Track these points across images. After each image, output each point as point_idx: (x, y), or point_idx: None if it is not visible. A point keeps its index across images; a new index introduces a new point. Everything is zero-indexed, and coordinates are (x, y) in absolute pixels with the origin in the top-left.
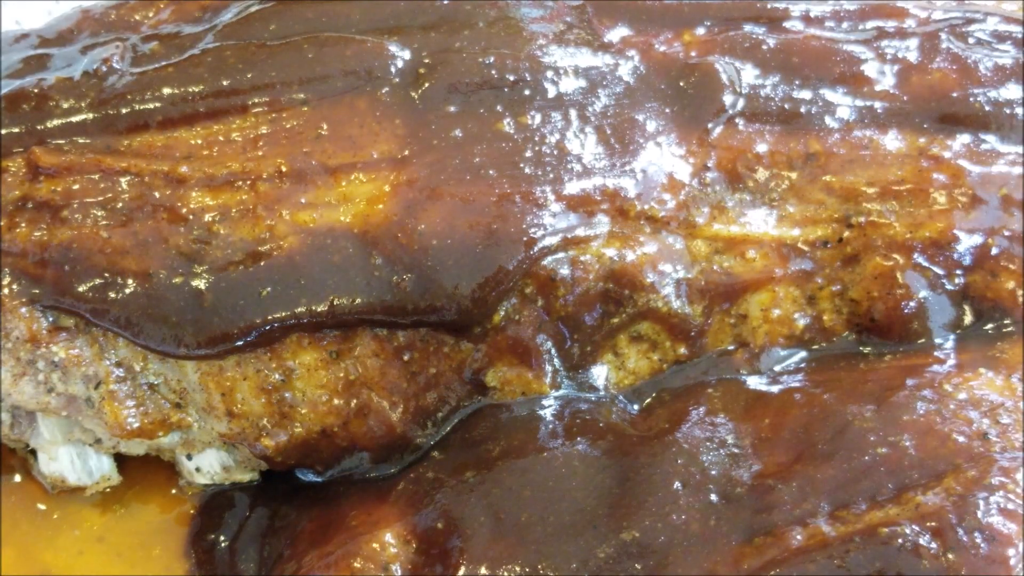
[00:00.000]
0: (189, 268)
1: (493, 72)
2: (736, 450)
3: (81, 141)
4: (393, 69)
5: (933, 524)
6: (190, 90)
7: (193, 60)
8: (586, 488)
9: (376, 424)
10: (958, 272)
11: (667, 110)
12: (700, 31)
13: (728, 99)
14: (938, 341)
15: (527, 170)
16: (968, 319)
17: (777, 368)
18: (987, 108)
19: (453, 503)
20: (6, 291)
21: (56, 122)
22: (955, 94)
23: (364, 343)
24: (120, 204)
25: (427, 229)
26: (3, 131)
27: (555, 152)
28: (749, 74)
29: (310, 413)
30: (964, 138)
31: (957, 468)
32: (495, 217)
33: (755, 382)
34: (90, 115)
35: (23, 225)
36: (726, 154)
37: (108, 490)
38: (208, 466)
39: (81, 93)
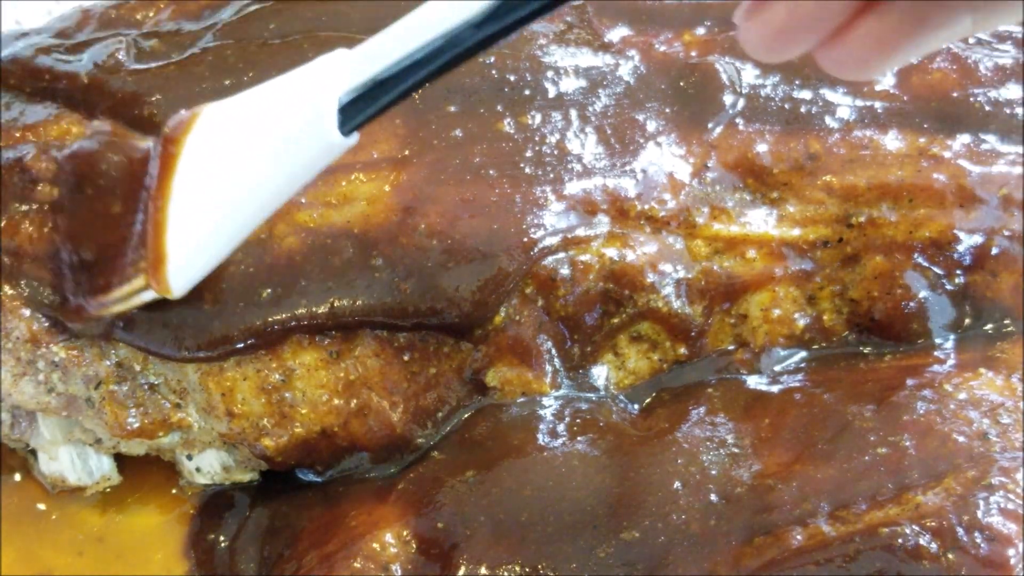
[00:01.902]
0: None
1: (493, 72)
2: (736, 450)
3: None
4: None
5: (933, 524)
6: (192, 89)
7: (194, 59)
8: (586, 488)
9: (376, 424)
10: (958, 272)
11: (667, 110)
12: (700, 31)
13: (728, 99)
14: (938, 341)
15: (527, 170)
16: (968, 319)
17: (777, 368)
18: (987, 108)
19: (453, 503)
20: (6, 291)
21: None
22: (955, 94)
23: (364, 343)
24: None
25: (427, 229)
26: (5, 128)
27: (555, 152)
28: (749, 74)
29: (310, 413)
30: (964, 138)
31: (957, 468)
32: (495, 217)
33: (755, 382)
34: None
35: (23, 225)
36: (726, 154)
37: (108, 490)
38: (208, 466)
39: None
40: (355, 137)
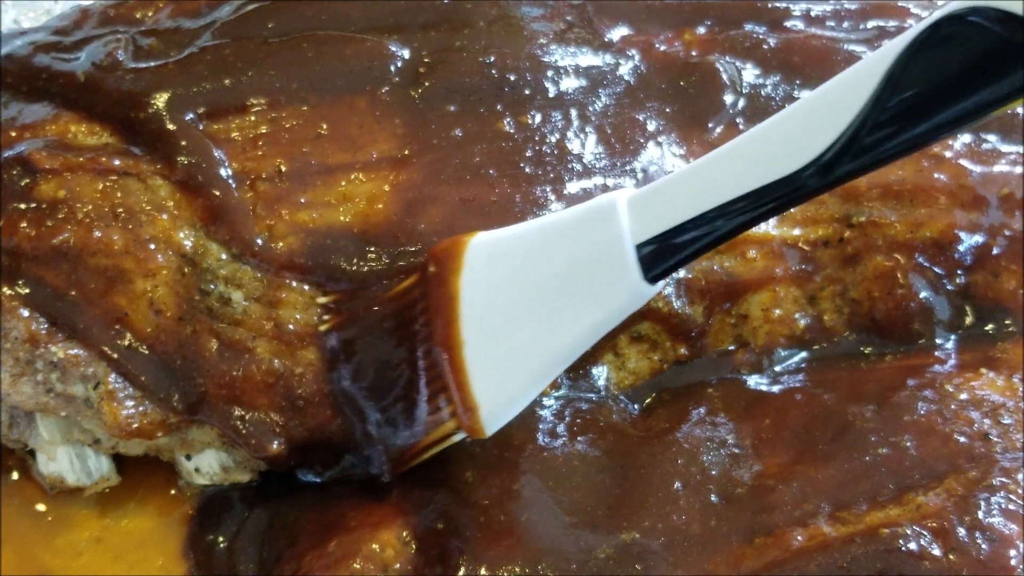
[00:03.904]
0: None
1: (493, 71)
2: (736, 450)
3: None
4: (393, 68)
5: (934, 525)
6: (190, 89)
7: (192, 58)
8: (586, 488)
9: None
10: (959, 272)
11: (668, 109)
12: (701, 30)
13: (729, 99)
14: (939, 341)
15: (527, 170)
16: (969, 319)
17: (778, 368)
18: None
19: (453, 503)
20: (5, 291)
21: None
22: None
23: None
24: (120, 204)
25: (427, 229)
26: (3, 127)
27: (555, 152)
28: (750, 73)
29: None
30: (965, 137)
31: (958, 469)
32: (496, 217)
33: (755, 382)
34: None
35: (22, 225)
36: None
37: (107, 491)
38: (207, 466)
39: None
40: (660, 285)
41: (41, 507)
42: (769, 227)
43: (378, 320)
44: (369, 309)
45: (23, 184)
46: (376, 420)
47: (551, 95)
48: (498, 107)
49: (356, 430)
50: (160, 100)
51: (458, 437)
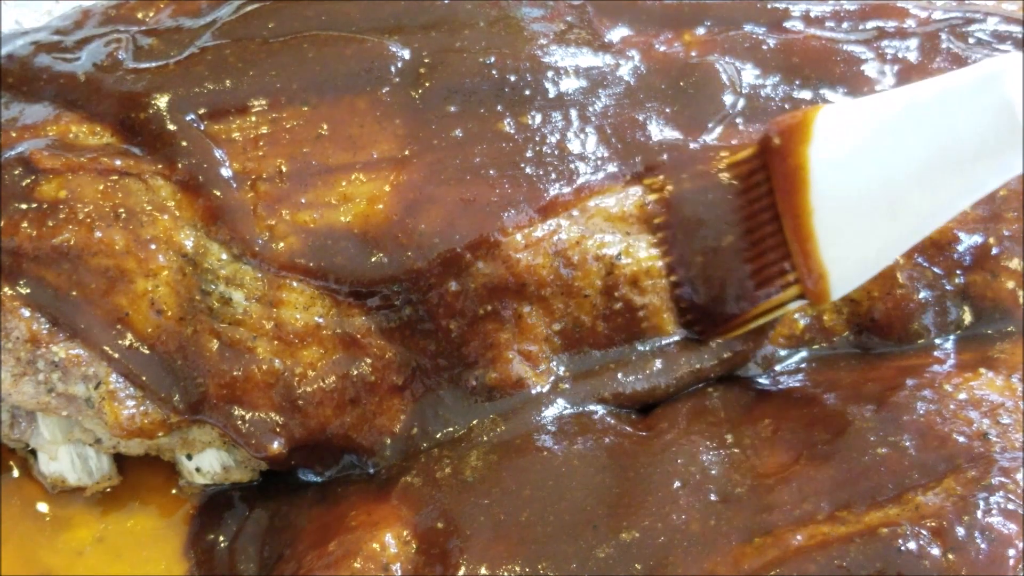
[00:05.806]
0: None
1: (494, 72)
2: (736, 450)
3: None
4: (393, 69)
5: (933, 524)
6: (191, 90)
7: (193, 59)
8: (586, 488)
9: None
10: (958, 272)
11: (668, 110)
12: (700, 31)
13: (728, 99)
14: (938, 341)
15: (528, 170)
16: (968, 319)
17: (778, 368)
18: None
19: (453, 503)
20: (7, 291)
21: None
22: None
23: None
24: (121, 204)
25: (428, 229)
26: (4, 128)
27: (556, 152)
28: (749, 74)
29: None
30: None
31: (957, 468)
32: (496, 217)
33: (755, 382)
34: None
35: (23, 225)
36: None
37: (108, 490)
38: (208, 466)
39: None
40: None
41: (42, 507)
42: None
43: (710, 191)
44: (699, 181)
45: (24, 184)
46: (709, 288)
47: (551, 96)
48: (498, 108)
49: (683, 302)
50: (161, 100)
51: (796, 304)
